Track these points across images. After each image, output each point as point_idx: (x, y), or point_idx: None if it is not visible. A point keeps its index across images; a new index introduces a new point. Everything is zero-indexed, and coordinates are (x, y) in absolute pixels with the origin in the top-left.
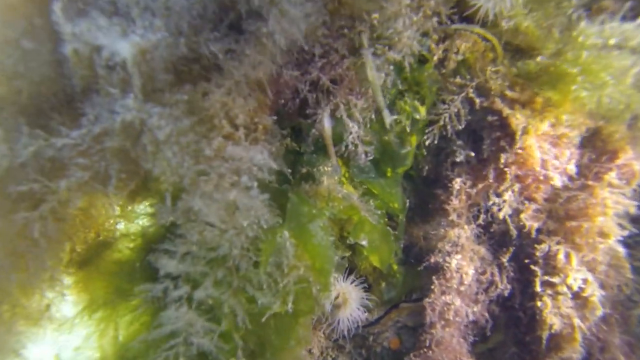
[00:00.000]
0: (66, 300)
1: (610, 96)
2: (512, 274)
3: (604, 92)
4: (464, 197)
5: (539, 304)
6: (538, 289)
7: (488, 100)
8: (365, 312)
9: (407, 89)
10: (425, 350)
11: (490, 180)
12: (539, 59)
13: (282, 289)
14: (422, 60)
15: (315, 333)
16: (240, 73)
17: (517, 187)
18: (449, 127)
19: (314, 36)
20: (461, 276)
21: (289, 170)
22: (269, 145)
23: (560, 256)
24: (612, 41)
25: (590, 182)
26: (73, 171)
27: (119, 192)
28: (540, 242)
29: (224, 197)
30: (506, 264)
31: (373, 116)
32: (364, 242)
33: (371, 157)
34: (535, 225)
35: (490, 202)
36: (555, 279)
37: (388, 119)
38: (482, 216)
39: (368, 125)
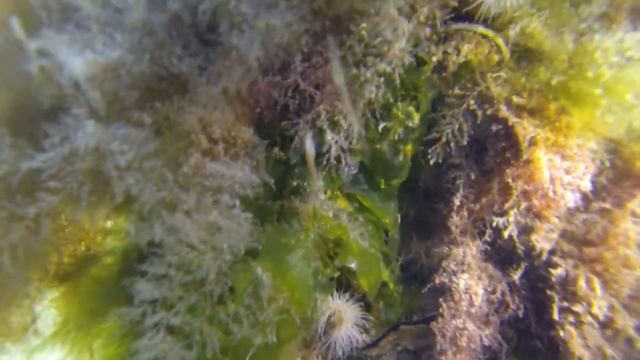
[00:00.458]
0: (50, 315)
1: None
2: (524, 292)
3: (633, 114)
4: (465, 214)
5: (561, 333)
6: (556, 316)
7: (492, 108)
8: (362, 332)
9: (405, 94)
10: None
11: (495, 195)
12: (549, 74)
13: (262, 322)
14: (419, 63)
15: (310, 353)
16: (216, 86)
17: (524, 204)
18: (452, 143)
19: (297, 45)
20: (470, 297)
21: (280, 183)
22: (250, 160)
23: (581, 283)
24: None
25: (608, 206)
26: (43, 195)
27: (94, 211)
28: (554, 264)
29: (204, 217)
30: (517, 282)
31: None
32: (352, 265)
33: (355, 171)
34: (547, 247)
35: (495, 218)
36: (577, 308)
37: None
38: (488, 231)
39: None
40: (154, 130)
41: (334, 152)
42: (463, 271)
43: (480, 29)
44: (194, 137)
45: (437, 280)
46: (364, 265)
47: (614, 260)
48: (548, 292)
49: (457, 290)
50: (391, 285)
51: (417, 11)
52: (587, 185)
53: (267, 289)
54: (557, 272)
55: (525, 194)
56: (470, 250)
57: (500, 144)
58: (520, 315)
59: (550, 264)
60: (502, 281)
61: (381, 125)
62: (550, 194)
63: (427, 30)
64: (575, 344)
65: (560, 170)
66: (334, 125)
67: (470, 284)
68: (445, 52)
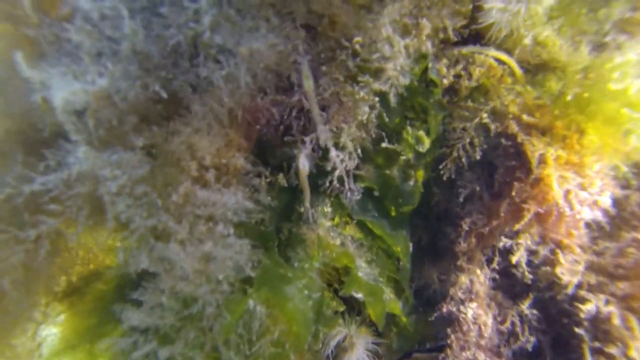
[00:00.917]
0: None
1: None
2: (536, 324)
3: None
4: (473, 240)
5: None
6: (588, 358)
7: (502, 125)
8: (374, 357)
9: (414, 117)
10: None
11: (505, 218)
12: (562, 85)
13: (252, 355)
14: (429, 85)
15: None
16: (206, 109)
17: (537, 229)
18: (463, 158)
19: (286, 63)
20: (479, 327)
21: (288, 209)
22: (243, 187)
23: (616, 321)
24: None
25: None
26: (44, 218)
27: (97, 234)
28: (582, 299)
29: (198, 248)
30: (527, 313)
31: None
32: (359, 296)
33: (358, 196)
34: (574, 280)
35: (503, 244)
36: (612, 349)
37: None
38: (496, 259)
39: (360, 154)
40: (145, 153)
41: (337, 174)
42: (471, 300)
43: (492, 52)
44: (184, 164)
45: (444, 309)
46: (370, 296)
47: None
48: (576, 329)
49: (465, 320)
50: (403, 319)
51: (420, 28)
52: (606, 201)
53: (259, 320)
54: (586, 308)
55: (539, 217)
56: (478, 278)
57: (510, 162)
58: (530, 348)
59: (576, 298)
60: (513, 310)
61: (387, 147)
62: (566, 211)
63: (436, 50)
64: None
65: (574, 186)
66: (341, 146)
67: (479, 313)
68: (456, 76)
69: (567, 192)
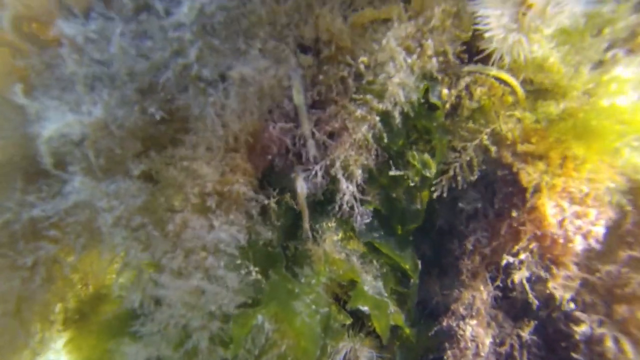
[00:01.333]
0: None
1: None
2: (535, 350)
3: None
4: (477, 258)
5: None
6: None
7: (499, 153)
8: None
9: (417, 137)
10: None
11: (506, 238)
12: (562, 105)
13: None
14: (431, 107)
15: None
16: (206, 135)
17: (536, 248)
18: (459, 177)
19: (279, 88)
20: (477, 346)
21: (294, 227)
22: (240, 215)
23: (609, 344)
24: None
25: (638, 255)
26: (43, 244)
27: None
28: (576, 320)
29: (188, 282)
30: (527, 338)
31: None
32: (365, 309)
33: (368, 220)
34: (567, 296)
35: (505, 261)
36: None
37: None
38: (500, 276)
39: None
40: (145, 179)
41: (346, 199)
42: (472, 316)
43: (494, 71)
44: (185, 190)
45: (444, 323)
46: (376, 309)
47: None
48: (573, 354)
49: (464, 337)
50: (407, 331)
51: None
52: (599, 231)
53: (265, 336)
54: (580, 330)
55: (537, 238)
56: (481, 295)
57: (507, 188)
58: None
59: (571, 319)
60: (512, 334)
61: (395, 173)
62: (560, 240)
63: (438, 71)
64: None
65: (569, 214)
66: (349, 173)
67: (479, 331)
68: (458, 97)
69: (561, 221)
